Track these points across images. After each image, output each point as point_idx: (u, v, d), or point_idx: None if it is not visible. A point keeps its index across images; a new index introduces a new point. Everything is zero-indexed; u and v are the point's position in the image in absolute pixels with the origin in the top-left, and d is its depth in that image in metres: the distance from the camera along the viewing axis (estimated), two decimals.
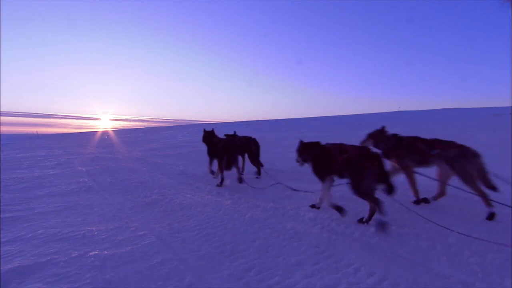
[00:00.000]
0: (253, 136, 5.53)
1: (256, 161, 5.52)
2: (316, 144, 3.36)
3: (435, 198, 3.37)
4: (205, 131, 5.48)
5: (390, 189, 2.73)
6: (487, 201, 2.92)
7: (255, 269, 2.12)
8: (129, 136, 24.09)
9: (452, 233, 2.58)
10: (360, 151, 2.91)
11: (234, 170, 4.96)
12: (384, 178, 2.72)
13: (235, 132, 6.00)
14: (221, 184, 4.76)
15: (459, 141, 3.24)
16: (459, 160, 3.00)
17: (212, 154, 5.36)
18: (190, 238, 2.70)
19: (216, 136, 5.45)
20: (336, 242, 2.51)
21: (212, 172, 5.38)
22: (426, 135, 3.60)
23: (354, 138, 3.76)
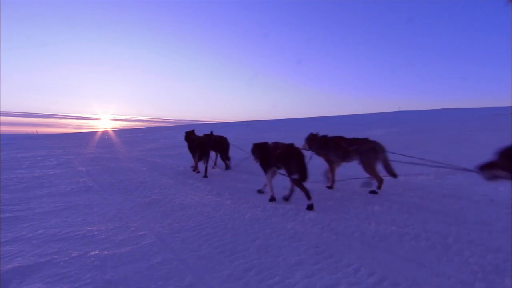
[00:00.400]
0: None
1: (225, 156, 6.33)
2: (263, 144, 4.03)
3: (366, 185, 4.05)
4: (186, 132, 6.52)
5: (304, 177, 3.45)
6: (380, 182, 3.86)
7: (255, 269, 2.12)
8: (129, 136, 24.11)
9: (452, 233, 2.58)
10: (287, 148, 3.64)
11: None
12: (303, 168, 3.46)
13: (212, 132, 6.67)
14: (198, 170, 6.04)
15: (459, 141, 3.24)
16: (369, 153, 3.81)
17: (190, 149, 6.38)
18: (190, 238, 2.70)
19: (194, 135, 6.46)
20: (336, 242, 2.51)
21: (197, 169, 6.18)
22: (426, 135, 3.61)
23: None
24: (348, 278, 1.96)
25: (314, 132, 4.54)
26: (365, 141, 3.95)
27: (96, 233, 2.87)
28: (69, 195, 4.43)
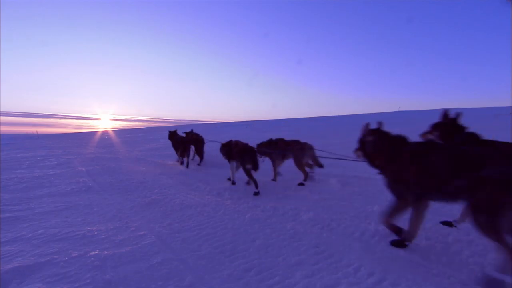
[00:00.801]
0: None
1: (199, 152, 7.35)
2: (227, 143, 4.99)
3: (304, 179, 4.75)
4: (169, 132, 7.60)
5: (255, 168, 4.34)
6: (307, 176, 4.75)
7: (255, 269, 2.12)
8: (129, 136, 24.10)
9: (452, 233, 2.58)
10: (243, 146, 4.57)
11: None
12: (254, 161, 4.34)
13: (192, 129, 7.91)
14: (182, 163, 7.27)
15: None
16: (299, 152, 4.70)
17: (174, 147, 7.55)
18: (190, 238, 2.70)
19: (177, 135, 7.57)
20: (336, 242, 2.51)
21: (181, 162, 7.34)
22: None
23: (354, 138, 3.79)
24: (348, 278, 1.97)
25: (267, 140, 5.31)
26: (297, 142, 4.89)
27: (96, 233, 2.87)
28: (69, 195, 4.43)
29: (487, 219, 1.81)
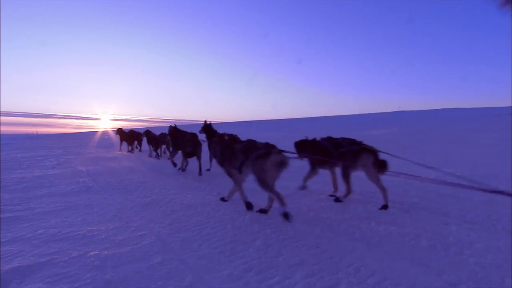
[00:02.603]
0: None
1: (167, 148, 8.73)
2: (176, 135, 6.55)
3: None
4: (147, 131, 10.13)
5: (192, 154, 6.04)
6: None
7: (255, 269, 2.12)
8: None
9: (452, 233, 2.58)
10: (190, 137, 6.09)
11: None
12: (195, 149, 5.95)
13: (175, 126, 8.88)
14: (156, 156, 9.34)
15: (459, 141, 3.24)
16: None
17: (148, 143, 9.76)
18: (190, 238, 2.70)
19: (152, 134, 9.83)
20: (336, 242, 2.51)
21: (155, 155, 9.38)
22: (426, 135, 3.61)
23: (355, 138, 3.79)
24: (349, 278, 1.96)
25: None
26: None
27: (96, 233, 2.87)
28: (69, 195, 4.42)
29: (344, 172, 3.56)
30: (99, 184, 5.22)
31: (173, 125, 6.91)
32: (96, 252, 2.44)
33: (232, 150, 3.54)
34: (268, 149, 3.18)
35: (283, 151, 3.27)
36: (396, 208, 3.29)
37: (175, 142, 6.56)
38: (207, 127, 6.39)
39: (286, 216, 2.90)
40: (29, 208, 3.77)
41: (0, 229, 3.00)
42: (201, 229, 2.91)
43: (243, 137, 5.25)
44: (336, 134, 4.34)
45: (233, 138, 4.53)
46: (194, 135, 6.15)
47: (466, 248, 2.29)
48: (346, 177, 3.55)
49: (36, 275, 2.11)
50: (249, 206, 3.44)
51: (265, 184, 3.08)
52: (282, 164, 3.09)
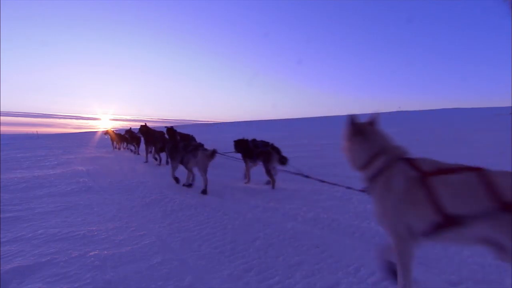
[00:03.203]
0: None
1: (145, 146, 8.67)
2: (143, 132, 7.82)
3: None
4: (129, 130, 11.31)
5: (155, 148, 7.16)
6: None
7: (255, 269, 2.12)
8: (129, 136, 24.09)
9: None
10: (158, 133, 7.01)
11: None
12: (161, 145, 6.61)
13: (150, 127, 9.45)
14: (135, 152, 10.62)
15: (459, 141, 3.25)
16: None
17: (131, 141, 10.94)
18: (190, 238, 2.70)
19: (133, 133, 10.65)
20: (336, 242, 2.51)
21: (138, 153, 10.33)
22: (426, 135, 3.61)
23: None
24: (349, 278, 1.96)
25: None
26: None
27: (96, 233, 2.87)
28: (69, 195, 4.42)
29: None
30: (99, 184, 5.22)
31: (143, 124, 8.40)
32: (96, 252, 2.44)
33: (176, 147, 4.88)
34: (198, 146, 4.57)
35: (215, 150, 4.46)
36: None
37: (148, 139, 7.99)
38: (144, 129, 8.14)
39: (204, 192, 4.29)
40: (29, 208, 3.77)
41: (0, 229, 3.00)
42: (201, 229, 2.91)
43: (243, 137, 5.26)
44: (336, 134, 4.33)
45: (186, 138, 6.27)
46: (162, 133, 7.21)
47: (466, 248, 2.29)
48: (268, 171, 4.58)
49: (36, 275, 2.11)
50: (176, 180, 5.01)
51: (203, 170, 4.41)
52: (209, 156, 4.38)
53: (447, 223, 1.26)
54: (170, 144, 5.16)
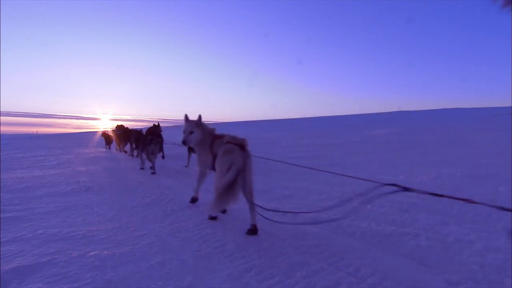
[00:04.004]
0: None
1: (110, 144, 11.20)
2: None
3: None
4: (103, 131, 12.82)
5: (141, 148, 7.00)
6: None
7: (255, 269, 2.12)
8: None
9: (451, 233, 2.58)
10: (137, 133, 7.43)
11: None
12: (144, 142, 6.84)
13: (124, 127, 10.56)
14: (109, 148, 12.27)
15: (459, 141, 3.25)
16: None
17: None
18: (190, 238, 2.70)
19: (108, 134, 12.53)
20: (336, 242, 2.51)
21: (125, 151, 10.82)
22: (426, 135, 3.62)
23: (355, 138, 3.78)
24: (349, 278, 1.96)
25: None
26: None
27: (96, 233, 2.87)
28: (69, 195, 4.42)
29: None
30: (99, 184, 5.22)
31: (119, 123, 9.86)
32: (96, 252, 2.44)
33: (138, 140, 6.50)
34: (152, 138, 6.16)
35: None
36: (396, 208, 3.29)
37: (123, 137, 9.70)
38: (120, 128, 9.73)
39: (144, 168, 6.31)
40: (29, 208, 3.77)
41: (0, 229, 3.00)
42: (201, 229, 2.91)
43: (243, 137, 5.25)
44: (336, 134, 4.33)
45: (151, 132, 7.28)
46: (138, 131, 7.89)
47: (466, 248, 2.29)
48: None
49: (36, 275, 2.11)
50: (142, 166, 6.78)
51: (150, 157, 6.11)
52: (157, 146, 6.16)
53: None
54: (133, 137, 7.13)
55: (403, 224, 2.83)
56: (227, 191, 2.49)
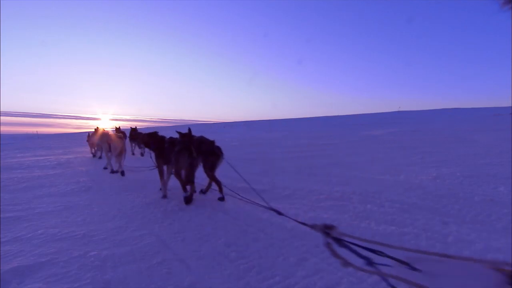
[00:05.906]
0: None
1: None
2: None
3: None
4: (89, 133, 11.02)
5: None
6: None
7: (255, 269, 2.12)
8: None
9: (451, 233, 2.58)
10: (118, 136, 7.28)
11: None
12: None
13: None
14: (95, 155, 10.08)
15: (459, 141, 3.25)
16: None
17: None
18: (190, 238, 2.70)
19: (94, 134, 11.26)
20: None
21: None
22: (426, 135, 3.62)
23: (355, 138, 3.79)
24: (349, 278, 1.96)
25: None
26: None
27: (96, 233, 2.87)
28: (69, 195, 4.42)
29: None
30: (99, 184, 5.22)
31: (96, 127, 9.49)
32: (96, 252, 2.44)
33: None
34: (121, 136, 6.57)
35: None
36: (396, 208, 3.29)
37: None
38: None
39: (109, 170, 6.38)
40: (29, 208, 3.77)
41: (0, 229, 3.00)
42: (201, 229, 2.91)
43: (243, 137, 5.24)
44: (336, 134, 4.33)
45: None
46: (122, 133, 8.25)
47: (466, 248, 2.29)
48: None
49: (36, 275, 2.11)
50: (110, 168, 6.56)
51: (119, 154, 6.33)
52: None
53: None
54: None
55: (403, 224, 2.82)
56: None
